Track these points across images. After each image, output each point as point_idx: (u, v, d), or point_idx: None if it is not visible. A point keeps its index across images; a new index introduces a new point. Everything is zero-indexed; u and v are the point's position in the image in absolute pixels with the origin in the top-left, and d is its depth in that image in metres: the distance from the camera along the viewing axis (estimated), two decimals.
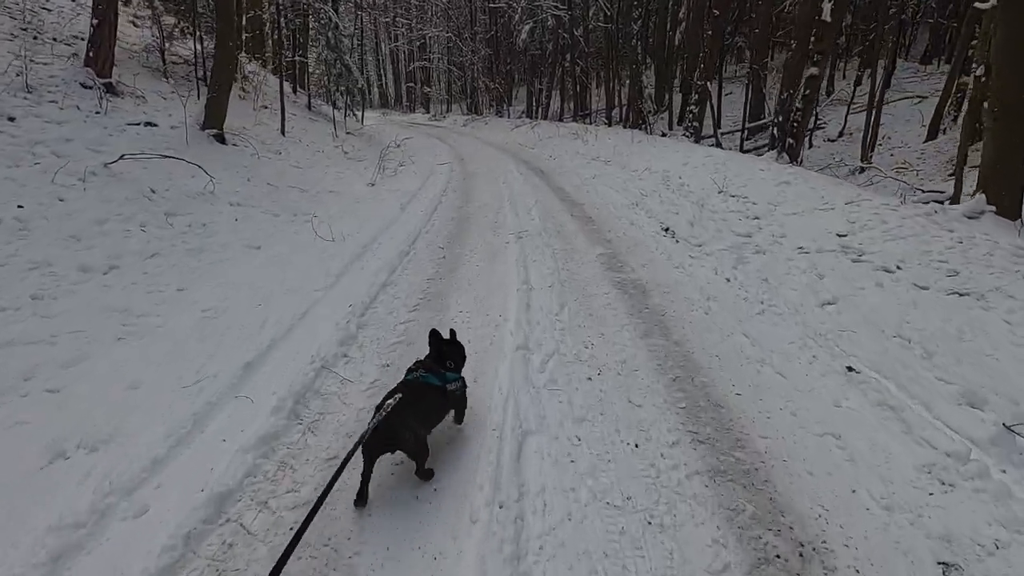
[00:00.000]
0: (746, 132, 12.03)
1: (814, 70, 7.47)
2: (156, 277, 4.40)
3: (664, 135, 12.36)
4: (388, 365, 3.34)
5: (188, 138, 7.24)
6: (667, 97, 16.99)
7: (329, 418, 2.83)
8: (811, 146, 9.86)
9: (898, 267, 3.91)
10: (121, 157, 5.54)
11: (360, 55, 22.09)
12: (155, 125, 6.92)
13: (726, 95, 16.22)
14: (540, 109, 22.52)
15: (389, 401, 2.16)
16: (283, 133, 10.40)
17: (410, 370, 2.44)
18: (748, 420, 2.73)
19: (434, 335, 2.58)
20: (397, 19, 36.20)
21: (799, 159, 7.86)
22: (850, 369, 3.13)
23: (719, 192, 6.59)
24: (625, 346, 3.49)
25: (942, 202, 5.61)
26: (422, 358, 2.54)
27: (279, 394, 2.91)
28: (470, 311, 4.10)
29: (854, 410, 2.80)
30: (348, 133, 14.36)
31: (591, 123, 19.71)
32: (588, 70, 20.68)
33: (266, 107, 10.79)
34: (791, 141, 7.79)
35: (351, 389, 3.08)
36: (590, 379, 3.12)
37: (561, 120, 20.98)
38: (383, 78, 46.78)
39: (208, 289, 4.43)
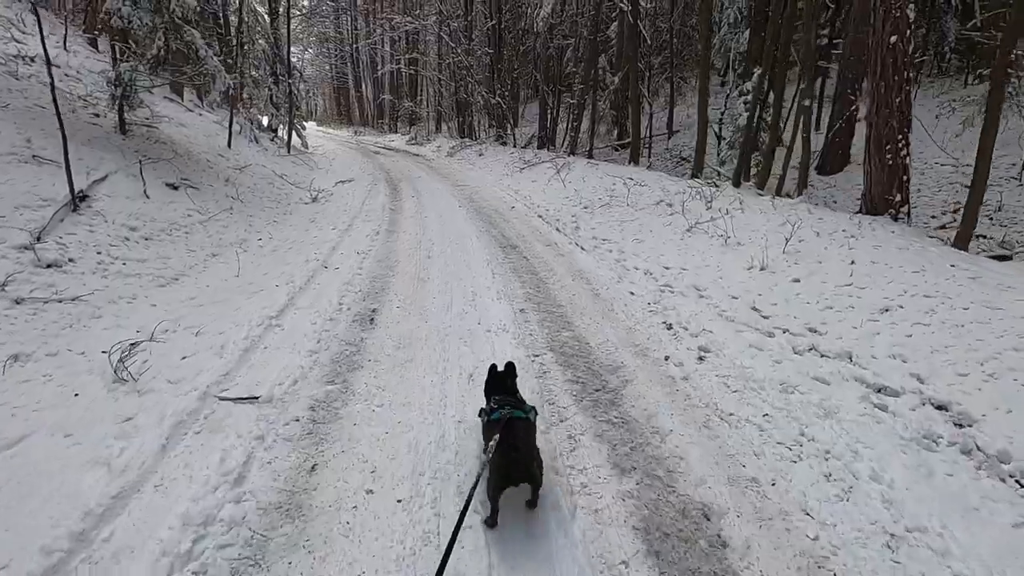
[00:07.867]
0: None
1: None
2: None
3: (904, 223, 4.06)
4: None
5: None
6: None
7: None
8: None
9: None
10: None
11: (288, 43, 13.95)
12: None
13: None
14: (567, 135, 14.38)
15: (510, 440, 2.22)
16: None
17: (493, 410, 2.44)
18: None
19: (493, 371, 2.66)
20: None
21: None
22: None
23: None
24: None
25: None
26: (497, 398, 2.53)
27: None
28: None
29: None
30: (176, 186, 6.33)
31: (648, 165, 11.74)
32: (651, 76, 12.65)
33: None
34: None
35: None
36: None
37: (591, 156, 12.61)
38: (363, 87, 38.99)
39: None
